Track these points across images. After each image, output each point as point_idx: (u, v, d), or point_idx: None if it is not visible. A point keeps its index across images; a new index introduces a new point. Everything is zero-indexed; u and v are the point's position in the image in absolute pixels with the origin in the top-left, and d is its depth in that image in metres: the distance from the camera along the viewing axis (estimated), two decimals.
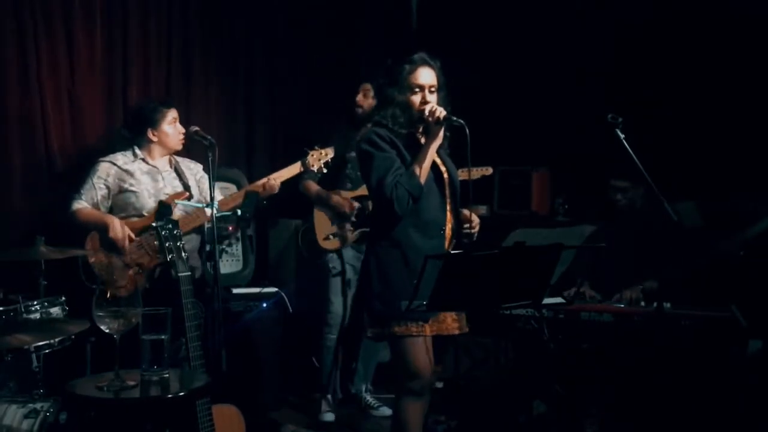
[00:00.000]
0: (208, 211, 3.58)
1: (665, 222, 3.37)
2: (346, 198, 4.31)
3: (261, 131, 5.18)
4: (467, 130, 2.93)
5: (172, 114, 3.93)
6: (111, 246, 3.72)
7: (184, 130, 3.92)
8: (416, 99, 3.05)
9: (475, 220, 3.16)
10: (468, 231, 3.13)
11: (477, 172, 4.44)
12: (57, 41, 4.20)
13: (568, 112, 5.00)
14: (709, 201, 4.34)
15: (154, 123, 3.90)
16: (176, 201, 3.81)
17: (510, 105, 5.21)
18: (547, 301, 2.97)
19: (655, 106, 4.72)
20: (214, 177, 3.57)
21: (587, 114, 4.04)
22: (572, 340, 3.85)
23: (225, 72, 5.00)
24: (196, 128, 3.80)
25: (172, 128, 3.91)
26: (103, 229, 3.74)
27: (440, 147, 3.10)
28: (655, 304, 3.73)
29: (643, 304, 3.93)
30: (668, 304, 3.71)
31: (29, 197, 4.12)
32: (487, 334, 4.34)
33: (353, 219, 4.31)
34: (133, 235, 3.75)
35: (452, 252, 3.03)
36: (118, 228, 3.73)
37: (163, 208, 3.77)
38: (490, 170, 4.51)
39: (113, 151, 3.95)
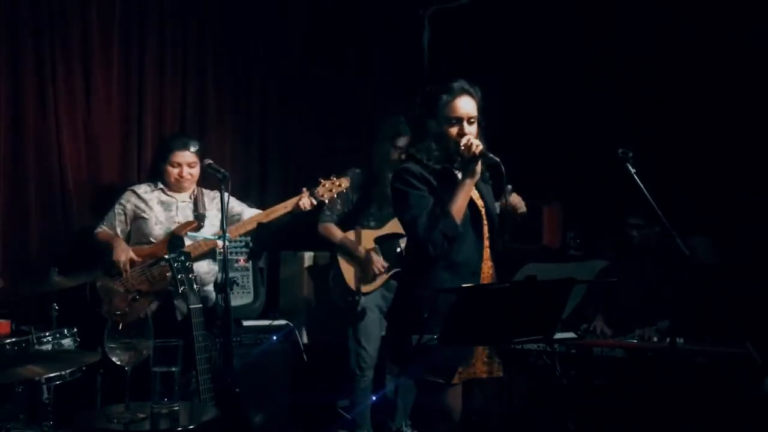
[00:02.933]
0: (220, 242, 3.59)
1: (678, 257, 3.34)
2: (378, 260, 4.26)
3: (274, 164, 5.20)
4: (503, 168, 2.78)
5: (177, 157, 3.99)
6: (115, 268, 3.80)
7: (184, 175, 3.99)
8: (453, 131, 2.87)
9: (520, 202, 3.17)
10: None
11: None
12: (74, 72, 4.25)
13: (579, 145, 5.00)
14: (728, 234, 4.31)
15: (162, 157, 4.05)
16: (186, 231, 3.85)
17: (521, 137, 5.22)
18: (558, 336, 2.95)
19: (669, 139, 4.71)
20: (227, 209, 3.59)
21: (599, 147, 4.05)
22: (585, 376, 3.82)
23: (239, 106, 5.04)
24: (210, 161, 3.84)
25: (170, 168, 4.01)
26: (111, 250, 3.83)
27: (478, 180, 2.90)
28: (668, 340, 3.70)
29: (655, 339, 3.90)
30: (681, 340, 3.69)
31: (44, 227, 4.15)
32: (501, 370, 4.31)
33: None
34: (135, 257, 3.81)
35: (463, 286, 3.01)
36: (120, 249, 3.82)
37: (176, 240, 3.78)
38: None
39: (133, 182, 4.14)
